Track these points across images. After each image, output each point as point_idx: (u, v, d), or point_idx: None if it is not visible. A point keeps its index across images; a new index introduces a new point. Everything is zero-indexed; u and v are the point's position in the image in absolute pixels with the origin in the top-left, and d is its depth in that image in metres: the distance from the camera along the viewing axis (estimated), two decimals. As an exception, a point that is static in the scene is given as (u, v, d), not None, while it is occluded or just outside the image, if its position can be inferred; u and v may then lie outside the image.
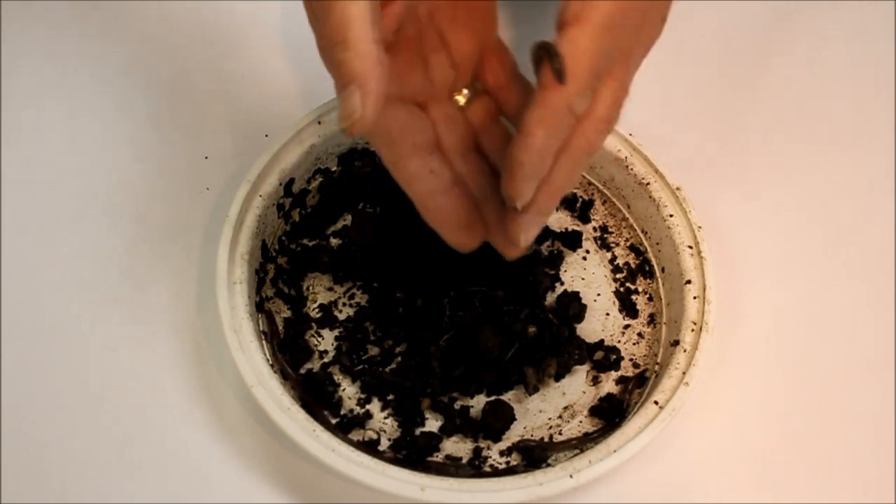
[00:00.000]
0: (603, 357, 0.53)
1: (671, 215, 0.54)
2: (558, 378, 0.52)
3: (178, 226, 0.56)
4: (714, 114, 0.64)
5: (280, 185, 0.53)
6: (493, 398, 0.51)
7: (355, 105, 0.36)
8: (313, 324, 0.53)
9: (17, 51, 0.62)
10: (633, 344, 0.54)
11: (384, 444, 0.50)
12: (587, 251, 0.57)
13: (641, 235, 0.57)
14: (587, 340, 0.54)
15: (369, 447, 0.49)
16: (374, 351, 0.52)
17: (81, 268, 0.54)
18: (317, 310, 0.54)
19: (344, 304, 0.54)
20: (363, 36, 0.35)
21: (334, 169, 0.57)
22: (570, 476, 0.45)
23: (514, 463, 0.50)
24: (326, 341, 0.53)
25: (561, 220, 0.58)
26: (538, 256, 0.56)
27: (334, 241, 0.56)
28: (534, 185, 0.40)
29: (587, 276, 0.57)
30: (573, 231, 0.57)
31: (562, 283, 0.56)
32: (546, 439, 0.51)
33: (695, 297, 0.52)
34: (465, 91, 0.44)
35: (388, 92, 0.37)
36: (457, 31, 0.42)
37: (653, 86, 0.65)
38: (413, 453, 0.49)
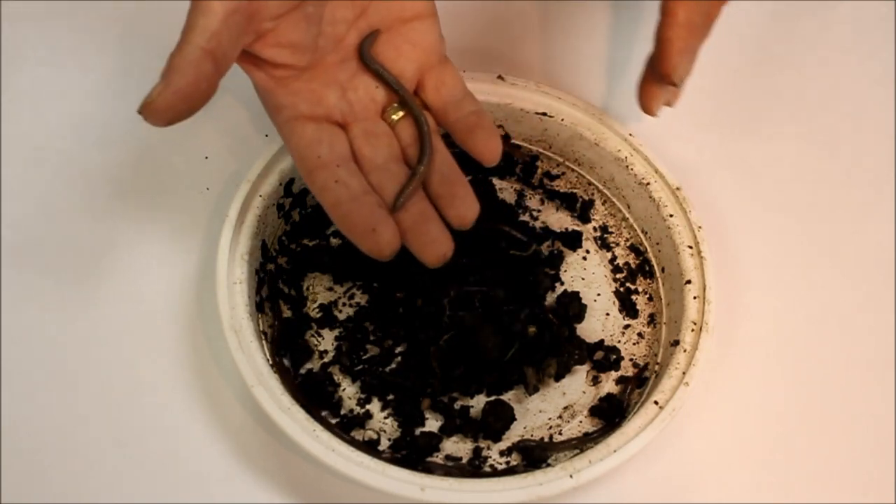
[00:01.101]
0: (603, 357, 0.53)
1: (671, 215, 0.54)
2: (558, 378, 0.52)
3: (178, 226, 0.56)
4: (714, 114, 0.64)
5: (280, 185, 0.53)
6: (493, 398, 0.51)
7: (154, 91, 0.39)
8: (313, 324, 0.53)
9: (17, 51, 0.62)
10: (633, 344, 0.54)
11: (384, 444, 0.50)
12: (587, 251, 0.57)
13: (641, 235, 0.57)
14: (587, 340, 0.54)
15: (369, 447, 0.49)
16: (374, 351, 0.52)
17: (81, 267, 0.54)
18: (317, 310, 0.54)
19: (344, 304, 0.54)
20: (197, 40, 0.39)
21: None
22: (570, 476, 0.45)
23: (514, 463, 0.50)
24: (326, 341, 0.53)
25: (561, 220, 0.58)
26: (538, 256, 0.56)
27: (334, 241, 0.56)
28: (687, 58, 0.45)
29: (587, 276, 0.57)
30: (573, 231, 0.57)
31: (562, 283, 0.56)
32: (546, 439, 0.51)
33: (695, 297, 0.52)
34: (398, 109, 0.47)
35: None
36: (398, 59, 0.46)
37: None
38: (413, 453, 0.49)
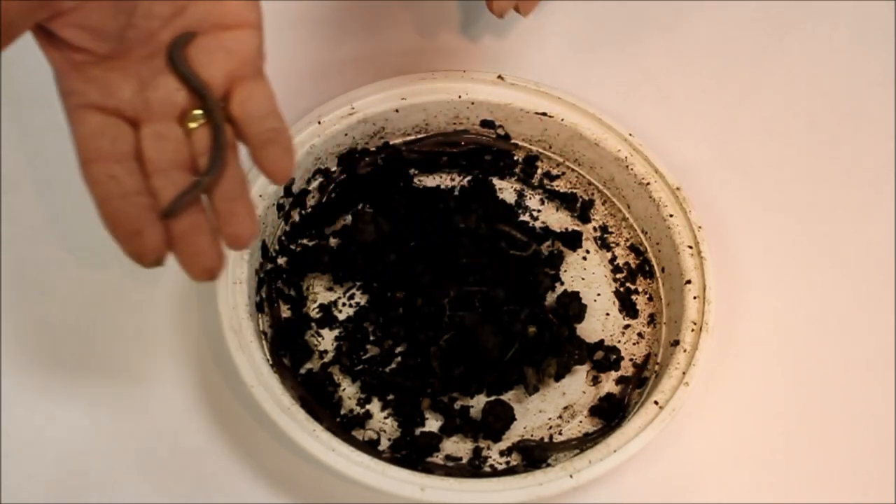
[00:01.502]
0: (603, 357, 0.53)
1: (671, 215, 0.54)
2: (558, 378, 0.52)
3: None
4: (714, 114, 0.64)
5: (279, 185, 0.53)
6: (493, 398, 0.51)
7: None
8: (313, 324, 0.53)
9: (17, 51, 0.62)
10: (633, 344, 0.54)
11: (384, 444, 0.50)
12: (587, 251, 0.57)
13: (641, 235, 0.57)
14: (587, 340, 0.54)
15: (369, 447, 0.49)
16: (374, 351, 0.52)
17: (81, 267, 0.54)
18: (317, 310, 0.54)
19: (344, 304, 0.54)
20: None
21: (334, 169, 0.57)
22: (571, 476, 0.45)
23: (514, 463, 0.50)
24: (326, 341, 0.53)
25: (561, 220, 0.58)
26: (538, 256, 0.56)
27: (334, 241, 0.56)
28: None
29: (587, 276, 0.57)
30: (573, 231, 0.57)
31: (562, 283, 0.56)
32: (546, 439, 0.51)
33: (695, 297, 0.52)
34: (198, 117, 0.44)
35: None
36: (209, 65, 0.44)
37: (653, 86, 0.65)
38: (413, 453, 0.49)
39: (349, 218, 0.57)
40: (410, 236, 0.55)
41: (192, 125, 0.44)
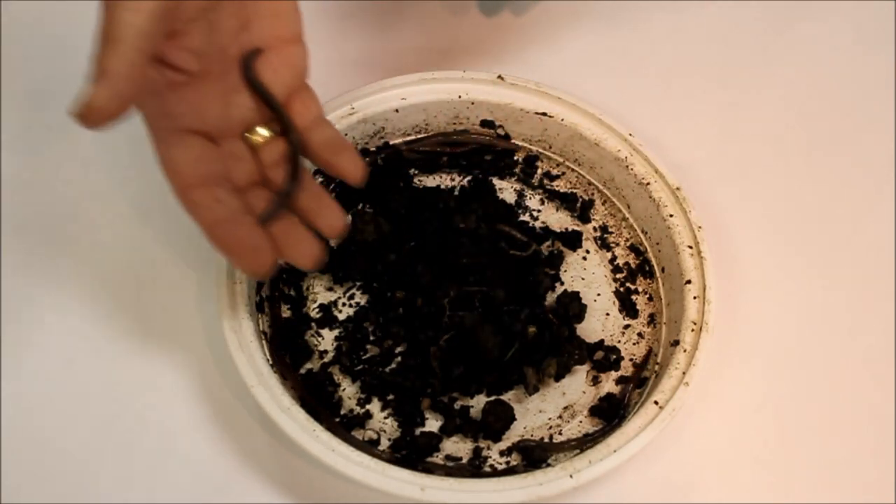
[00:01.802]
0: (603, 357, 0.53)
1: (671, 215, 0.54)
2: (558, 378, 0.52)
3: (178, 226, 0.56)
4: (714, 114, 0.64)
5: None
6: (493, 398, 0.51)
7: (99, 96, 0.37)
8: (313, 324, 0.53)
9: (17, 51, 0.62)
10: (633, 344, 0.54)
11: (384, 444, 0.50)
12: (587, 251, 0.57)
13: (641, 235, 0.57)
14: (587, 340, 0.54)
15: (369, 447, 0.49)
16: (374, 351, 0.52)
17: (81, 268, 0.54)
18: (317, 310, 0.54)
19: (344, 304, 0.54)
20: (131, 40, 0.37)
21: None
22: (571, 476, 0.45)
23: (515, 463, 0.50)
24: (326, 341, 0.53)
25: (561, 220, 0.58)
26: (538, 256, 0.56)
27: (334, 242, 0.56)
28: None
29: (587, 276, 0.57)
30: (573, 231, 0.57)
31: (562, 283, 0.56)
32: (546, 439, 0.51)
33: (695, 297, 0.52)
34: (263, 131, 0.46)
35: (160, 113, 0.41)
36: (275, 79, 0.45)
37: (653, 86, 0.65)
38: (413, 453, 0.49)
39: (349, 218, 0.57)
40: (410, 236, 0.54)
41: (259, 138, 0.46)
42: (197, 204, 0.42)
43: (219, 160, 0.43)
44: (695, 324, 0.51)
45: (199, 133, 0.42)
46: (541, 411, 0.52)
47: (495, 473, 0.49)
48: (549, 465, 0.49)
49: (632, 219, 0.58)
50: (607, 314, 0.55)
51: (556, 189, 0.59)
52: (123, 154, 0.58)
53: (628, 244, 0.58)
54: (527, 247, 0.55)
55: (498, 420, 0.50)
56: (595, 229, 0.58)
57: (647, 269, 0.56)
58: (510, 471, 0.49)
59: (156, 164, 0.58)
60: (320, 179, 0.56)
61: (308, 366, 0.52)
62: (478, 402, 0.51)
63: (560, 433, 0.51)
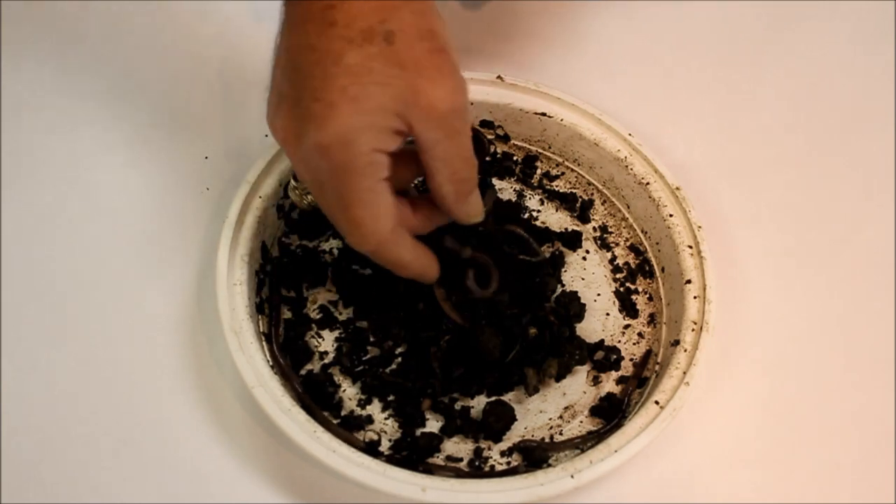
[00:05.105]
0: (603, 357, 0.53)
1: (671, 215, 0.54)
2: (559, 378, 0.52)
3: (178, 226, 0.56)
4: (714, 114, 0.64)
5: (280, 186, 0.53)
6: (493, 399, 0.51)
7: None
8: (313, 325, 0.53)
9: (17, 51, 0.62)
10: (634, 344, 0.54)
11: (385, 445, 0.50)
12: (587, 251, 0.57)
13: (641, 235, 0.57)
14: (587, 340, 0.54)
15: (370, 448, 0.49)
16: (374, 352, 0.52)
17: (81, 268, 0.54)
18: (317, 311, 0.54)
19: (345, 307, 0.54)
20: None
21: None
22: (572, 476, 0.45)
23: (515, 463, 0.50)
24: (327, 342, 0.53)
25: (560, 221, 0.58)
26: (546, 262, 0.55)
27: (334, 242, 0.56)
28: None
29: (587, 276, 0.56)
30: (573, 231, 0.57)
31: (562, 284, 0.56)
32: (547, 439, 0.50)
33: (695, 297, 0.52)
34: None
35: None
36: None
37: (653, 86, 0.65)
38: (414, 454, 0.49)
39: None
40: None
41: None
42: (398, 243, 0.45)
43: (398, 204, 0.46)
44: (695, 323, 0.51)
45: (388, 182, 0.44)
46: (541, 411, 0.52)
47: (496, 474, 0.49)
48: (549, 465, 0.49)
49: (631, 219, 0.58)
50: (607, 314, 0.55)
51: (556, 189, 0.59)
52: (124, 154, 0.58)
53: (628, 244, 0.58)
54: (537, 254, 0.55)
55: (499, 420, 0.50)
56: (595, 229, 0.58)
57: (647, 268, 0.56)
58: (511, 471, 0.49)
59: (156, 165, 0.58)
60: None
61: (308, 367, 0.52)
62: (478, 403, 0.51)
63: (561, 433, 0.51)
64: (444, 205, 0.46)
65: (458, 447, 0.50)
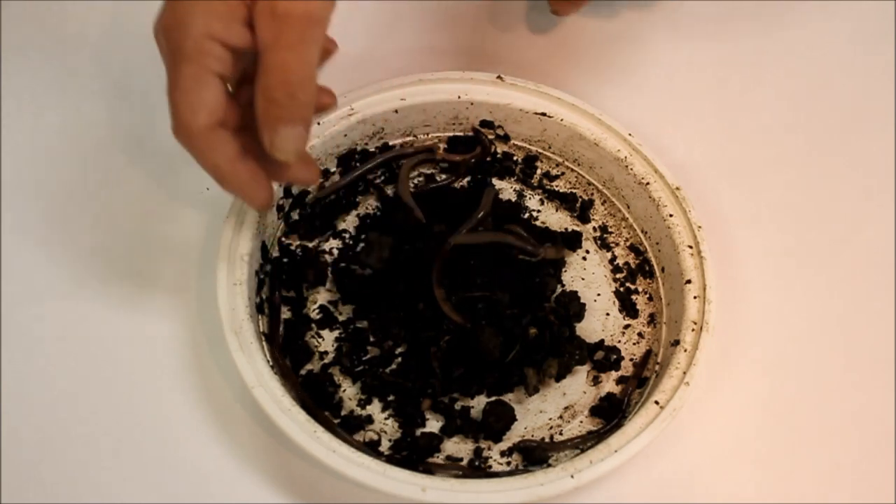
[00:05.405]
0: (603, 357, 0.53)
1: (671, 215, 0.54)
2: (559, 378, 0.52)
3: (178, 226, 0.56)
4: (714, 114, 0.64)
5: (279, 185, 0.53)
6: (493, 399, 0.51)
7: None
8: (313, 325, 0.53)
9: (17, 51, 0.62)
10: (634, 344, 0.54)
11: (385, 445, 0.50)
12: (587, 251, 0.57)
13: (641, 235, 0.57)
14: (587, 340, 0.54)
15: (370, 448, 0.49)
16: (374, 352, 0.52)
17: (81, 268, 0.54)
18: (317, 311, 0.54)
19: (344, 305, 0.54)
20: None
21: (334, 170, 0.57)
22: (572, 476, 0.45)
23: (515, 463, 0.50)
24: (326, 342, 0.53)
25: (560, 221, 0.58)
26: (545, 262, 0.55)
27: (334, 242, 0.56)
28: None
29: (587, 276, 0.56)
30: (573, 231, 0.57)
31: (562, 284, 0.56)
32: (547, 439, 0.50)
33: (695, 297, 0.52)
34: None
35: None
36: None
37: (653, 85, 0.65)
38: (414, 454, 0.49)
39: (348, 220, 0.57)
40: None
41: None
42: (212, 144, 0.42)
43: (229, 103, 0.43)
44: (695, 323, 0.51)
45: (221, 77, 0.42)
46: (541, 411, 0.52)
47: (496, 474, 0.49)
48: (549, 465, 0.49)
49: (631, 219, 0.58)
50: (607, 314, 0.55)
51: (556, 189, 0.59)
52: (124, 154, 0.58)
53: (628, 244, 0.58)
54: (536, 254, 0.55)
55: (499, 420, 0.50)
56: (595, 229, 0.58)
57: (647, 268, 0.56)
58: (511, 471, 0.49)
59: (156, 164, 0.58)
60: (320, 180, 0.56)
61: (308, 367, 0.52)
62: (478, 403, 0.51)
63: (561, 433, 0.51)
64: (257, 123, 0.42)
65: (458, 447, 0.50)
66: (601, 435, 0.50)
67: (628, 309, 0.55)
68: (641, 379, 0.52)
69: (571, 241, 0.57)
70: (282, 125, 0.41)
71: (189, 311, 0.53)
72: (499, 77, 0.57)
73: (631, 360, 0.54)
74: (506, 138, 0.59)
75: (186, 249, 0.55)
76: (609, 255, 0.57)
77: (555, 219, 0.58)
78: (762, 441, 0.52)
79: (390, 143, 0.58)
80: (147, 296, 0.54)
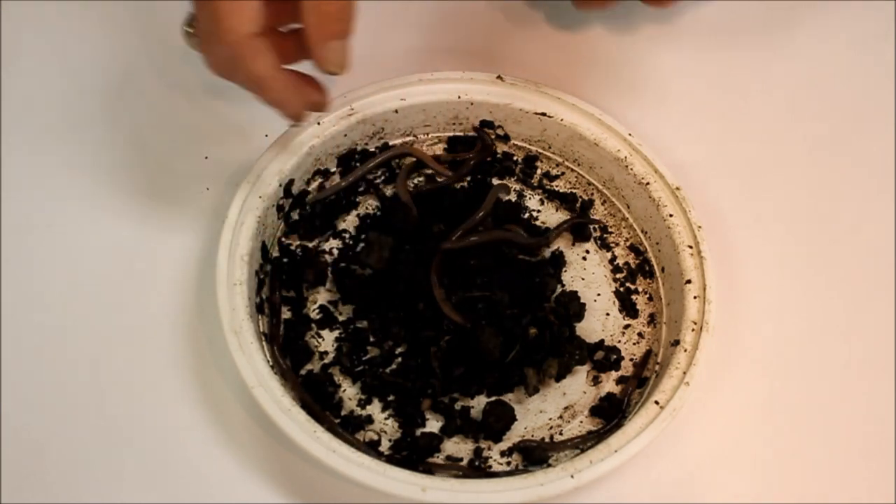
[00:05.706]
0: (603, 357, 0.53)
1: (671, 215, 0.54)
2: (559, 378, 0.52)
3: (178, 226, 0.56)
4: (714, 114, 0.64)
5: (280, 186, 0.53)
6: (493, 399, 0.51)
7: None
8: (313, 325, 0.53)
9: (17, 51, 0.62)
10: (634, 344, 0.54)
11: (385, 445, 0.50)
12: (587, 251, 0.57)
13: (641, 235, 0.57)
14: (587, 340, 0.54)
15: (370, 448, 0.49)
16: (374, 352, 0.52)
17: (81, 268, 0.54)
18: (317, 311, 0.54)
19: (344, 305, 0.54)
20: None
21: (334, 170, 0.57)
22: (572, 476, 0.45)
23: (515, 463, 0.50)
24: (327, 342, 0.53)
25: (561, 220, 0.58)
26: (546, 261, 0.55)
27: (334, 242, 0.56)
28: None
29: (587, 276, 0.56)
30: (579, 223, 0.57)
31: (562, 284, 0.56)
32: (547, 439, 0.50)
33: (695, 297, 0.52)
34: None
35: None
36: None
37: (653, 86, 0.65)
38: (414, 454, 0.49)
39: (348, 220, 0.57)
40: (414, 243, 0.54)
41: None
42: (257, 50, 0.43)
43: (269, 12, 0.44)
44: (695, 323, 0.51)
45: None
46: (541, 411, 0.52)
47: (496, 474, 0.49)
48: (549, 465, 0.49)
49: (631, 219, 0.58)
50: (607, 314, 0.55)
51: (556, 189, 0.59)
52: (126, 154, 0.58)
53: (628, 244, 0.58)
54: (535, 254, 0.55)
55: (499, 420, 0.50)
56: (595, 229, 0.58)
57: (647, 268, 0.56)
58: (511, 471, 0.49)
59: (156, 164, 0.58)
60: (320, 180, 0.57)
61: (308, 367, 0.52)
62: (478, 403, 0.51)
63: (561, 433, 0.51)
64: (306, 41, 0.43)
65: (458, 447, 0.50)
66: (601, 435, 0.50)
67: (628, 309, 0.55)
68: (641, 379, 0.52)
69: (580, 230, 0.57)
70: (334, 38, 0.44)
71: (189, 310, 0.53)
72: (499, 77, 0.57)
73: (631, 360, 0.54)
74: (506, 138, 0.59)
75: (186, 249, 0.55)
76: (609, 255, 0.57)
77: (555, 219, 0.58)
78: (762, 441, 0.52)
79: (390, 143, 0.58)
80: (147, 295, 0.54)
